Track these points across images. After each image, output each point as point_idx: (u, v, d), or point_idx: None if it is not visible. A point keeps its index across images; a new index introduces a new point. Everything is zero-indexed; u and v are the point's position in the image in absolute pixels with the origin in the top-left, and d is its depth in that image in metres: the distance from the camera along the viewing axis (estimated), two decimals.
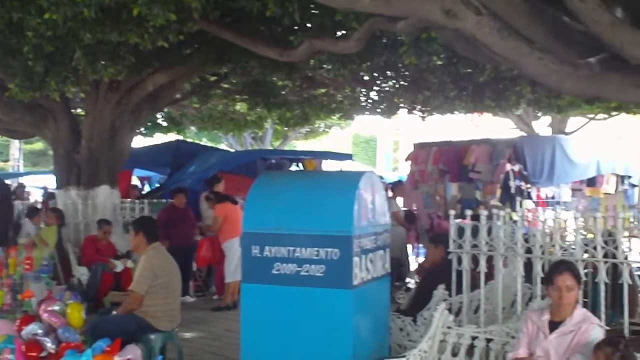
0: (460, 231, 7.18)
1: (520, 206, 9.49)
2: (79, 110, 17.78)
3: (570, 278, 5.78)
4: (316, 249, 6.45)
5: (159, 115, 22.16)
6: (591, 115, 22.96)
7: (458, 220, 7.39)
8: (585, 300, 7.37)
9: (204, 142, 30.35)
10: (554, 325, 5.82)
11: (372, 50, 11.25)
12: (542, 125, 25.58)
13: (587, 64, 7.01)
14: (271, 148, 30.81)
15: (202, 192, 14.82)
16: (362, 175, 6.83)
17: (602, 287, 6.41)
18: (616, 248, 6.30)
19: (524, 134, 23.50)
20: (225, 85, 17.34)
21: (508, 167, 14.71)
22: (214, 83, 16.82)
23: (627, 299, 6.32)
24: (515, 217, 7.38)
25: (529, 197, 15.15)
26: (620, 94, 7.33)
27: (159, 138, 25.07)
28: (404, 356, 6.38)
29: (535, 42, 7.11)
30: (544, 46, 7.13)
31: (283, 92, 17.58)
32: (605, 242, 6.47)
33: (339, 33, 10.63)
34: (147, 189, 22.36)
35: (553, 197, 16.13)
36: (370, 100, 18.56)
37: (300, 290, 6.52)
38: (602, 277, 6.31)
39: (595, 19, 6.53)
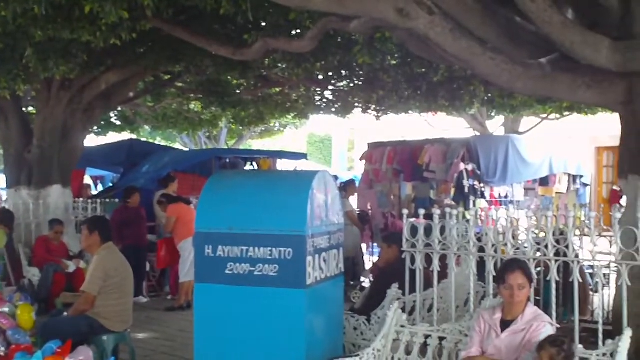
0: (414, 230, 7.19)
1: (474, 205, 9.56)
2: (30, 108, 17.53)
3: (522, 277, 5.83)
4: (270, 248, 6.43)
5: (112, 114, 21.96)
6: (544, 115, 23.16)
7: (412, 220, 7.41)
8: (537, 298, 7.43)
9: (158, 141, 30.12)
10: (505, 324, 5.86)
11: (327, 49, 11.25)
12: (496, 124, 25.77)
13: (539, 64, 7.09)
14: (226, 147, 30.67)
15: (155, 191, 14.71)
16: (315, 175, 6.82)
17: (553, 285, 6.46)
18: (567, 246, 6.35)
19: (478, 133, 23.66)
20: (180, 84, 17.21)
21: (462, 166, 14.82)
22: (168, 82, 16.70)
23: (577, 297, 6.37)
24: (468, 216, 7.40)
25: (483, 197, 15.27)
26: (570, 94, 7.43)
27: (113, 137, 24.82)
28: (357, 355, 6.40)
29: (488, 43, 7.18)
30: (496, 46, 7.21)
31: (238, 91, 17.49)
32: (557, 241, 6.52)
33: (293, 32, 10.62)
34: (100, 188, 22.15)
35: (506, 196, 16.27)
36: (324, 100, 18.57)
37: (253, 290, 6.50)
38: (553, 275, 6.36)
39: (546, 19, 6.61)
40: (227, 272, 6.58)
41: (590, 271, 9.74)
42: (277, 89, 17.98)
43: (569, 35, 6.64)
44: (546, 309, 6.50)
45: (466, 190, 14.70)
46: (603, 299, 8.56)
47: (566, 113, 21.16)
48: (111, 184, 21.15)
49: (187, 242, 12.13)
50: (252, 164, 19.27)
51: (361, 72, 14.54)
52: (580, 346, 5.72)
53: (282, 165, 20.60)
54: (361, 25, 7.63)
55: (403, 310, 7.12)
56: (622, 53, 6.63)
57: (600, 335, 6.08)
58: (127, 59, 12.26)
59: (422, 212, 7.55)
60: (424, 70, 13.54)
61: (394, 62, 13.36)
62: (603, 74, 6.90)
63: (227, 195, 6.98)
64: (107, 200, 15.64)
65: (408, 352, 6.57)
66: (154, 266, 13.98)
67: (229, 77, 15.98)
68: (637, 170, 6.91)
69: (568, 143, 19.50)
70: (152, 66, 12.67)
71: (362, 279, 14.09)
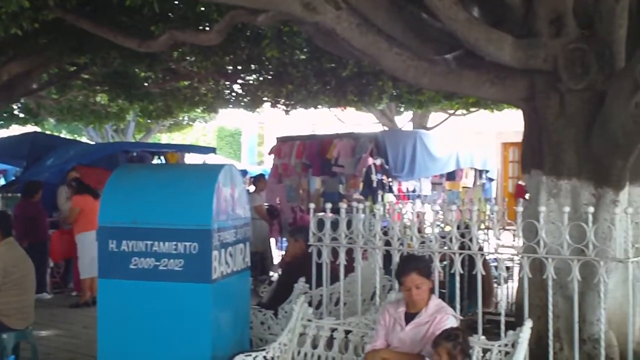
0: (321, 224, 7.21)
1: (382, 200, 9.63)
2: None
3: (418, 277, 5.84)
4: (175, 243, 6.36)
5: (15, 106, 21.38)
6: (451, 111, 23.51)
7: (319, 214, 7.42)
8: (443, 291, 7.53)
9: (64, 134, 29.52)
10: (410, 317, 5.91)
11: (235, 43, 11.21)
12: (404, 120, 26.04)
13: (444, 60, 7.19)
14: (133, 141, 30.21)
15: (59, 185, 14.40)
16: (221, 168, 6.77)
17: (457, 278, 6.56)
18: (471, 240, 6.45)
19: (387, 128, 23.86)
20: (85, 76, 16.87)
21: (370, 161, 14.94)
22: (73, 73, 16.34)
23: (480, 289, 6.47)
24: (375, 210, 7.45)
25: (391, 191, 15.43)
26: (475, 89, 7.55)
27: (16, 130, 24.19)
28: (264, 349, 6.39)
29: (395, 38, 7.23)
30: (403, 42, 7.26)
31: (145, 84, 17.27)
32: (462, 235, 6.62)
33: (201, 26, 10.52)
34: (2, 182, 21.59)
35: (414, 191, 16.49)
36: (233, 94, 18.49)
37: (158, 285, 6.41)
38: (457, 269, 6.45)
39: (451, 16, 6.70)
40: (131, 267, 6.47)
41: (495, 264, 9.92)
42: (186, 82, 17.83)
43: (474, 32, 6.74)
44: (451, 302, 6.59)
45: (374, 184, 14.84)
46: (507, 291, 8.76)
47: (473, 109, 21.56)
48: (14, 178, 20.62)
49: (85, 235, 11.93)
50: (159, 158, 19.03)
51: (270, 66, 14.51)
52: (483, 337, 5.81)
53: (191, 159, 20.39)
54: (269, 19, 7.60)
55: (310, 304, 7.14)
56: (524, 50, 6.77)
57: (503, 327, 6.18)
58: (29, 50, 11.96)
59: (328, 206, 7.58)
60: (333, 65, 13.60)
61: (302, 57, 13.38)
62: (506, 70, 7.03)
63: (131, 188, 6.88)
64: (9, 194, 15.24)
65: (314, 346, 6.58)
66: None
67: (136, 70, 15.74)
68: (539, 165, 7.06)
69: (475, 138, 19.87)
70: (56, 57, 12.41)
71: (271, 273, 14.08)
